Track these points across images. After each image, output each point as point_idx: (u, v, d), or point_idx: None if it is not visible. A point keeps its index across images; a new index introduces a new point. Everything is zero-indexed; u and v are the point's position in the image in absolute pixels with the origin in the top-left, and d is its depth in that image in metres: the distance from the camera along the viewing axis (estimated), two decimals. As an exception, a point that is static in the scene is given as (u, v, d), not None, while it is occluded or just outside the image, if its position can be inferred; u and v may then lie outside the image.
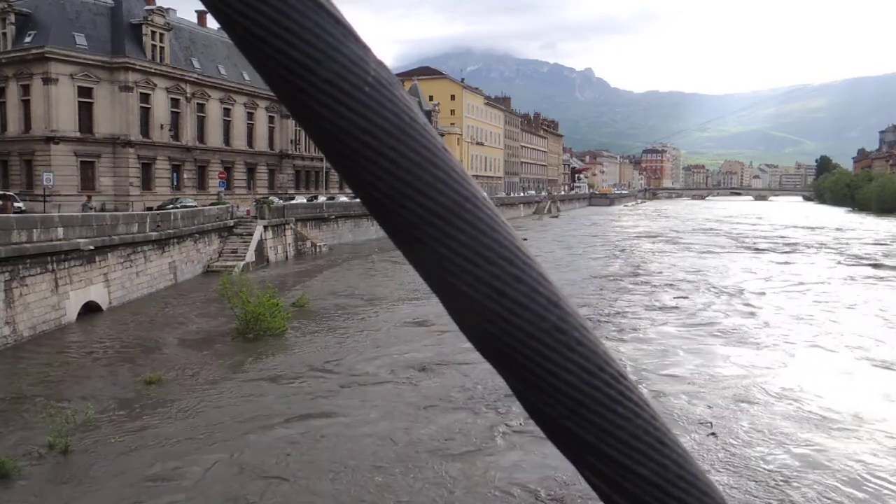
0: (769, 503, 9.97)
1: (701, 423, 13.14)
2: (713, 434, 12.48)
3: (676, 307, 25.76)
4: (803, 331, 21.41)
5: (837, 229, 69.85)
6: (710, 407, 14.06)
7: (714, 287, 30.60)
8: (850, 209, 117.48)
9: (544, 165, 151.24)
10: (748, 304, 26.30)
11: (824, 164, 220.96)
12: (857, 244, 52.35)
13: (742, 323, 22.71)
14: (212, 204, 41.88)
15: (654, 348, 19.15)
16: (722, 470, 11.03)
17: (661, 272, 36.49)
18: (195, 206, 38.97)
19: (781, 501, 10.00)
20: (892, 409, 13.93)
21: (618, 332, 21.01)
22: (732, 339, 20.27)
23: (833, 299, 27.24)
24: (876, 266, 37.82)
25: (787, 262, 40.59)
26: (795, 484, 10.61)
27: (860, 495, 10.22)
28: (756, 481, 10.66)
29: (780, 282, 32.46)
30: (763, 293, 28.91)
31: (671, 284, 31.74)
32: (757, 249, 49.38)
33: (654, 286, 31.11)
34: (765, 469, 11.16)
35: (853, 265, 38.46)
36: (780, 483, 10.64)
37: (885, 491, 10.34)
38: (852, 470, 11.08)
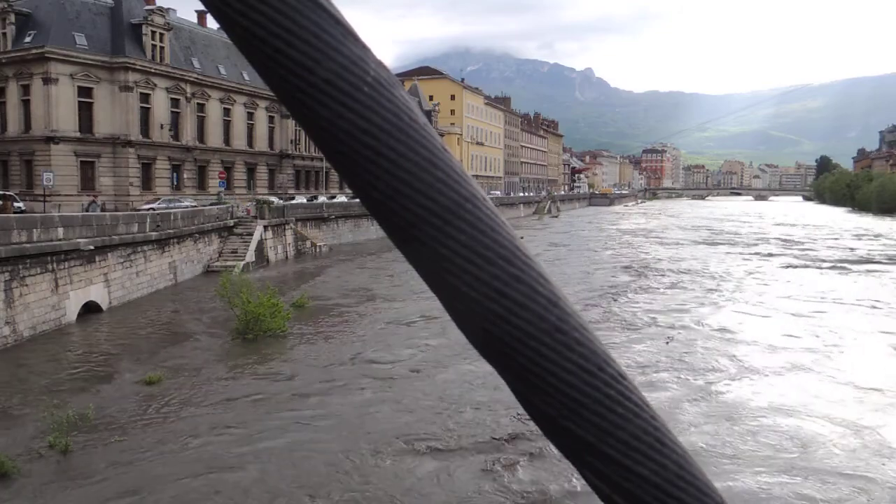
0: (692, 367, 17.65)
1: (664, 336, 21.16)
2: (668, 342, 20.32)
3: (663, 284, 32.95)
4: (744, 294, 29.69)
5: (817, 227, 74.27)
6: (672, 328, 22.33)
7: (693, 270, 37.77)
8: (850, 209, 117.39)
9: (544, 165, 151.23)
10: (714, 281, 33.79)
11: (824, 164, 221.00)
12: (832, 240, 57.02)
13: (705, 290, 30.76)
14: (212, 204, 41.85)
15: (642, 304, 27.11)
16: (670, 352, 19.05)
17: (657, 262, 41.97)
18: (194, 206, 38.96)
19: (697, 370, 17.45)
20: (783, 337, 21.08)
21: (620, 300, 28.19)
22: (694, 298, 28.60)
23: (779, 278, 34.65)
24: (826, 259, 43.23)
25: (762, 254, 46.67)
26: (709, 366, 17.97)
27: (744, 374, 17.32)
28: (687, 362, 18.25)
29: (748, 265, 40.07)
30: (729, 273, 36.43)
31: (660, 269, 38.47)
32: (738, 244, 54.42)
33: (649, 271, 37.61)
34: (694, 355, 18.90)
35: (815, 258, 43.64)
36: (702, 364, 18.06)
37: (753, 368, 17.78)
38: (745, 362, 18.38)
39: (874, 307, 26.16)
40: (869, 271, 37.11)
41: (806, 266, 39.50)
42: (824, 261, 41.81)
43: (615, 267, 39.42)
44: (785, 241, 57.07)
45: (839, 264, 40.04)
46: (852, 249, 48.89)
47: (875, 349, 19.63)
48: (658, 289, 31.29)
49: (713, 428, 13.38)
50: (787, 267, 39.22)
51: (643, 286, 31.89)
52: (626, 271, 37.32)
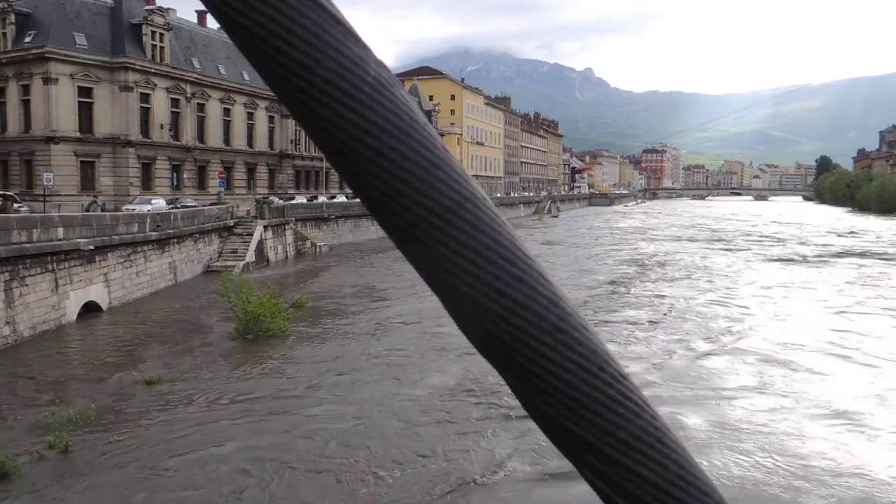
0: (681, 330, 22.16)
1: (663, 312, 25.25)
2: (665, 315, 24.37)
3: (663, 276, 35.95)
4: (735, 284, 33.04)
5: (814, 227, 75.46)
6: (656, 312, 25.36)
7: (690, 265, 40.71)
8: (850, 209, 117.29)
9: (544, 165, 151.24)
10: (710, 273, 36.98)
11: (824, 164, 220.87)
12: (823, 239, 59.07)
13: (700, 281, 34.04)
14: (212, 204, 41.84)
15: (642, 292, 30.58)
16: (658, 329, 22.29)
17: (656, 258, 44.26)
18: (195, 206, 38.96)
19: (684, 331, 21.82)
20: (757, 318, 24.55)
21: (622, 289, 31.21)
22: (690, 287, 32.06)
23: (768, 271, 37.55)
24: (811, 255, 46.14)
25: (756, 251, 48.97)
26: (695, 328, 22.49)
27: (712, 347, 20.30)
28: (671, 333, 21.76)
29: (743, 261, 42.69)
30: (723, 267, 39.34)
31: (660, 263, 41.39)
32: (735, 242, 56.72)
33: (650, 266, 40.12)
34: (685, 323, 23.46)
35: (804, 254, 46.16)
36: (689, 327, 22.59)
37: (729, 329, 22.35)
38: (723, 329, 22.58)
39: (841, 293, 29.92)
40: (853, 265, 39.62)
41: (793, 261, 42.25)
42: (811, 256, 44.48)
43: (616, 262, 41.37)
44: (780, 239, 59.25)
45: (826, 259, 42.65)
46: (842, 247, 51.00)
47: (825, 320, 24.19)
48: (658, 279, 34.16)
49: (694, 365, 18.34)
50: (778, 261, 42.04)
51: (644, 277, 34.89)
52: (628, 265, 39.77)
